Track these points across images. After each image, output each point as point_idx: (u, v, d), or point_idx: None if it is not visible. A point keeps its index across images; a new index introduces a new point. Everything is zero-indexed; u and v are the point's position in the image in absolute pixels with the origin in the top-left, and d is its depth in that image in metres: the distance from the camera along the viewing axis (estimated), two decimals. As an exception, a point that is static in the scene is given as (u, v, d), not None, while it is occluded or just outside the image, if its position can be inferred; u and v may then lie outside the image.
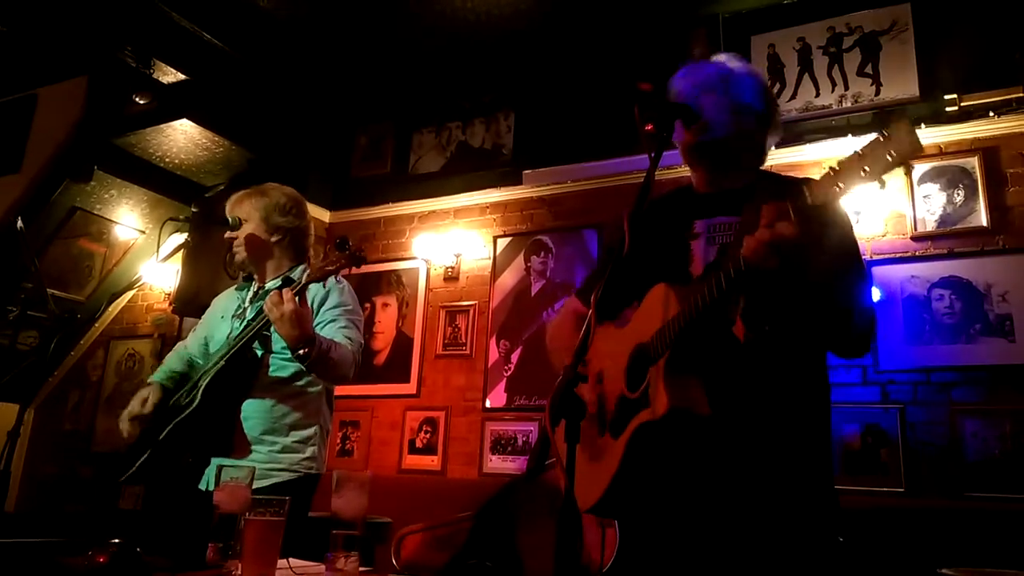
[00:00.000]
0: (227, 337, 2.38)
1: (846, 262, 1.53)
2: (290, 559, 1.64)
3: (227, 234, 2.46)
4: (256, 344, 2.28)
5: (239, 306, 2.48)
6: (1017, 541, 3.14)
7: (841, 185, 1.23)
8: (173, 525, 2.22)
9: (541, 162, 4.97)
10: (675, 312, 1.46)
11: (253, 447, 2.25)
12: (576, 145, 4.87)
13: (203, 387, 2.21)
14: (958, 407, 3.55)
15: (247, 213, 2.47)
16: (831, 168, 1.25)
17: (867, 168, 1.20)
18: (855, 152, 1.22)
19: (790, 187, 1.40)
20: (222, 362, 2.24)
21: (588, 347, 1.37)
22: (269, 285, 2.43)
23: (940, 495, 3.49)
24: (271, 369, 2.31)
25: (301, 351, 2.10)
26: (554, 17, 4.81)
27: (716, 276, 1.39)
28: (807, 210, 1.27)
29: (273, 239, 2.47)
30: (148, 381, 2.48)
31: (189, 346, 2.60)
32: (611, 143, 4.63)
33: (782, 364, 1.54)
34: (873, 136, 1.21)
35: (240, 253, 2.45)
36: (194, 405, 2.20)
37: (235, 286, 2.60)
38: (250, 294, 2.50)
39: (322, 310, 2.34)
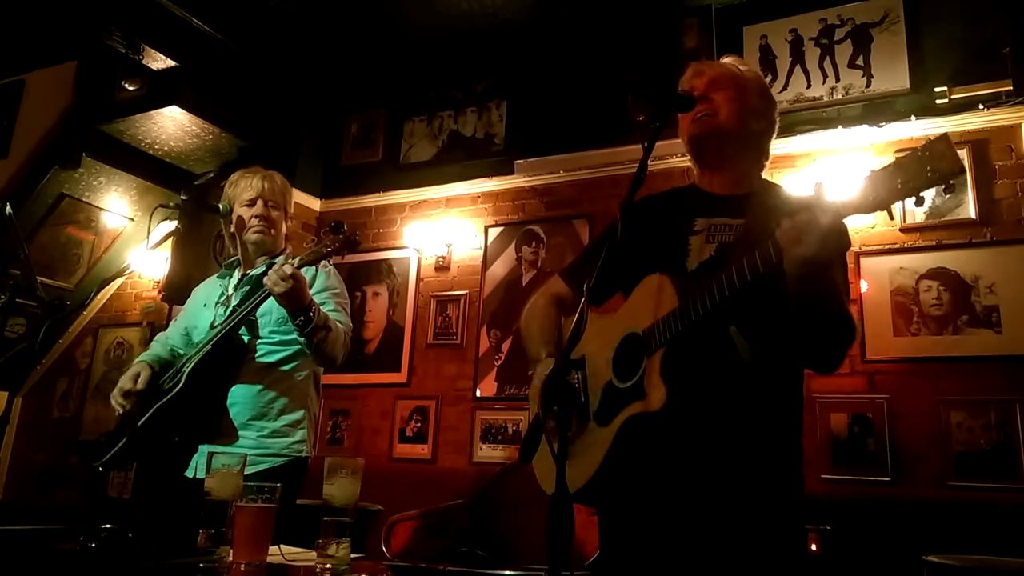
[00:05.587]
0: (211, 325, 2.35)
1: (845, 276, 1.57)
2: (281, 546, 1.65)
3: (261, 212, 2.40)
4: (243, 330, 2.27)
5: (222, 293, 2.45)
6: (1001, 529, 3.19)
7: (875, 197, 1.21)
8: (164, 512, 2.22)
9: (533, 152, 4.95)
10: (674, 303, 1.45)
11: (241, 433, 2.24)
12: (568, 135, 4.85)
13: (187, 372, 2.19)
14: (944, 398, 3.58)
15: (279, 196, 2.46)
16: (865, 180, 1.23)
17: (903, 182, 1.18)
18: (889, 164, 1.19)
19: (801, 200, 1.41)
20: (208, 347, 2.22)
21: (581, 335, 1.36)
22: (255, 271, 2.42)
23: (926, 484, 3.52)
24: (258, 355, 2.30)
25: (301, 318, 2.10)
26: (546, 6, 4.79)
27: (749, 259, 1.36)
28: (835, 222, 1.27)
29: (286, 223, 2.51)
30: (135, 362, 2.43)
31: (171, 336, 2.55)
32: (603, 133, 4.61)
33: (771, 366, 1.55)
34: (910, 151, 1.17)
35: (264, 233, 2.42)
36: (177, 389, 2.18)
37: (217, 274, 2.56)
38: (234, 281, 2.47)
39: (311, 294, 2.33)
